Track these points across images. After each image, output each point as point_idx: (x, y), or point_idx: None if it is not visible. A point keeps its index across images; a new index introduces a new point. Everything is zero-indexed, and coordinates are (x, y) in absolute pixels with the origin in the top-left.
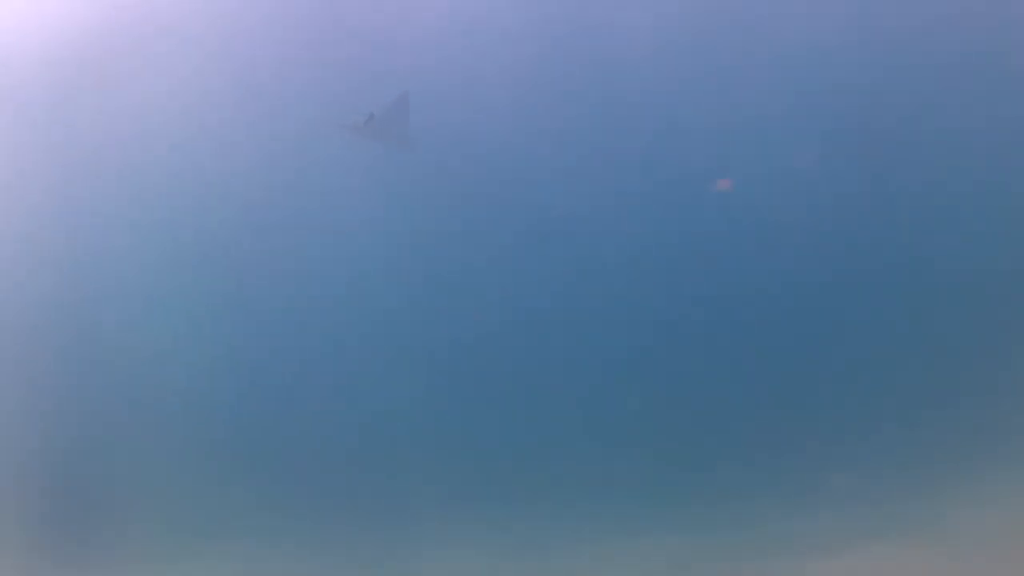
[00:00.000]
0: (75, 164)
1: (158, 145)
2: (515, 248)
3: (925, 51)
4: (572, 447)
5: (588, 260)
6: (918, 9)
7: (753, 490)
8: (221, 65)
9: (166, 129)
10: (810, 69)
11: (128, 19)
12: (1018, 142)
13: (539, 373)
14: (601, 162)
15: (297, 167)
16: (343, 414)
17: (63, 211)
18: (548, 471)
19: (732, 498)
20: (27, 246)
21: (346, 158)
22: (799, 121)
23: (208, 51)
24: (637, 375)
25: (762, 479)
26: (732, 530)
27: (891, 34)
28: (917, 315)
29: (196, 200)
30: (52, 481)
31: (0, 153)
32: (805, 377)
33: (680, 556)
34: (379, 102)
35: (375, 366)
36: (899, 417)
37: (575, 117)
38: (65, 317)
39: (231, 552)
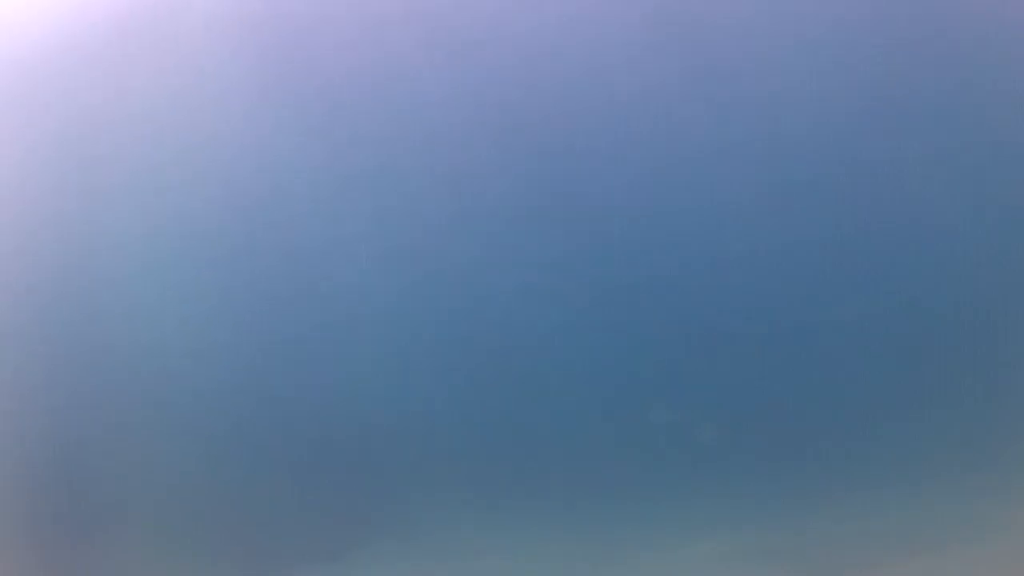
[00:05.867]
0: (78, 163)
1: (163, 144)
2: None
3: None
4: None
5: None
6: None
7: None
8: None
9: (170, 128)
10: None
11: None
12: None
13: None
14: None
15: (302, 165)
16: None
17: (66, 210)
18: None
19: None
20: (29, 245)
21: (351, 156)
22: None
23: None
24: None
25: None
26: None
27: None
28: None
29: (199, 199)
30: (53, 482)
31: (1, 152)
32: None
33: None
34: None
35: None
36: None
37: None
38: (68, 316)
39: (234, 555)
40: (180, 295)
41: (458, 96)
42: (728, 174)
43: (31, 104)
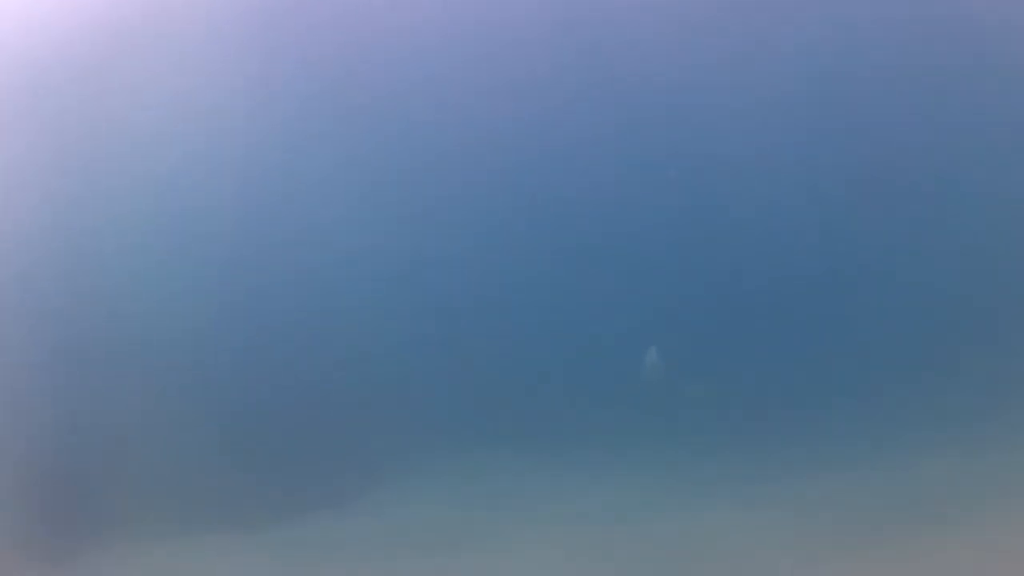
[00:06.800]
0: (77, 163)
1: (161, 144)
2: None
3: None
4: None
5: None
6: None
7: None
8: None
9: (169, 128)
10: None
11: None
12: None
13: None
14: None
15: (296, 164)
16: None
17: (66, 210)
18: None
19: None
20: (30, 246)
21: (347, 155)
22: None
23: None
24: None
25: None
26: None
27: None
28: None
29: (197, 198)
30: (53, 481)
31: (1, 153)
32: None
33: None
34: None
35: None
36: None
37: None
38: (66, 318)
39: (233, 553)
40: (179, 284)
41: (450, 92)
42: (730, 170)
43: (31, 103)
